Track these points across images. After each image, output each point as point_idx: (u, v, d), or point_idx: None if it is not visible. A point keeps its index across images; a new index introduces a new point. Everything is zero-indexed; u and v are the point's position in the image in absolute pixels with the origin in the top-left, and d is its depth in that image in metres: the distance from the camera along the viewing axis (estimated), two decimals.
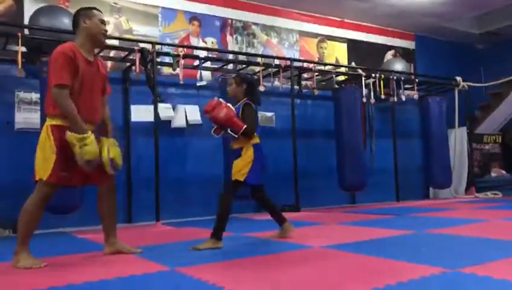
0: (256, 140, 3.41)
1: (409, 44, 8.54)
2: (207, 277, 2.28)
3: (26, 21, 5.01)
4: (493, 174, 8.34)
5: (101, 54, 5.33)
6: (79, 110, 2.79)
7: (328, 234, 3.98)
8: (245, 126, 3.27)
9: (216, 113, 3.28)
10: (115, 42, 5.51)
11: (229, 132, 3.32)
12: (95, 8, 3.02)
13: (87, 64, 2.88)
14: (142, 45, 5.40)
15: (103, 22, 3.00)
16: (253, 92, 3.53)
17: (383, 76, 7.09)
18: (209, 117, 3.38)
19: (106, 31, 3.01)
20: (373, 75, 7.04)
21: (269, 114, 6.61)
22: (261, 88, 5.96)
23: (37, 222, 2.80)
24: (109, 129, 3.09)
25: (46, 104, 2.85)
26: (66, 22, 4.89)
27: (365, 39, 7.97)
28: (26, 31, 4.85)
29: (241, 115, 3.35)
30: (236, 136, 3.30)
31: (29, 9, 5.06)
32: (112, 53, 5.54)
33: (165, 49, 5.72)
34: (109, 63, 5.57)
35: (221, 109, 3.26)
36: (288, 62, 6.43)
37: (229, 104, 3.33)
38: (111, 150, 2.91)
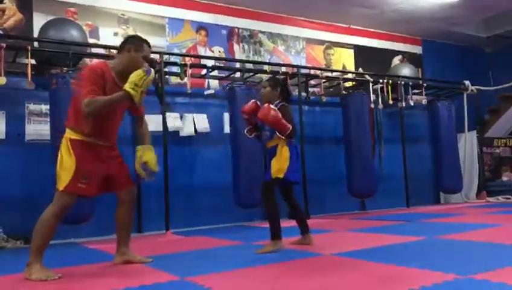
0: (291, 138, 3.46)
1: (416, 49, 8.52)
2: (217, 286, 2.28)
3: (35, 34, 5.08)
4: (504, 178, 8.25)
5: None
6: (95, 130, 2.87)
7: (338, 242, 3.96)
8: (290, 127, 3.32)
9: (263, 115, 3.28)
10: None
11: (277, 133, 3.34)
12: (147, 43, 3.04)
13: (114, 86, 2.89)
14: None
15: (146, 59, 3.00)
16: (288, 94, 3.60)
17: (390, 81, 7.08)
18: (249, 117, 3.52)
19: (145, 68, 3.05)
20: (380, 80, 7.03)
21: None
22: None
23: (53, 233, 2.82)
24: (146, 139, 3.14)
25: (68, 116, 2.92)
26: (74, 34, 4.96)
27: (372, 45, 7.96)
28: (36, 44, 4.92)
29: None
30: (284, 137, 3.34)
31: (38, 23, 5.13)
32: None
33: (173, 59, 5.75)
34: None
35: (269, 111, 3.27)
36: (295, 69, 6.44)
37: (272, 106, 3.33)
38: (144, 154, 2.99)
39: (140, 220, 5.43)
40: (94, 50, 5.38)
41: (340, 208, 6.85)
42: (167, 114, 5.36)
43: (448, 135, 7.63)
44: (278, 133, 3.34)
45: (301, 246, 3.52)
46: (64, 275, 2.78)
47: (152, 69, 2.87)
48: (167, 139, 5.25)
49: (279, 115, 3.29)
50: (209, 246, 3.99)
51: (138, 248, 3.67)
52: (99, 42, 5.53)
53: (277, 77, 4.06)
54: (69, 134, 2.86)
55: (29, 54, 4.55)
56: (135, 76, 2.78)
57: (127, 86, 2.77)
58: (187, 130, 5.84)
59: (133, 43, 3.00)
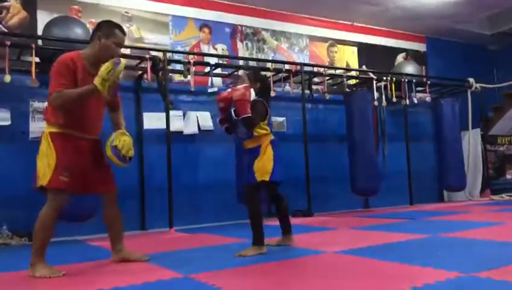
0: (271, 137, 3.31)
1: (420, 46, 8.49)
2: (220, 284, 2.28)
3: (39, 32, 5.09)
4: (508, 176, 8.22)
5: None
6: (71, 120, 2.81)
7: (341, 239, 3.96)
8: (249, 114, 3.10)
9: (233, 90, 3.15)
10: (127, 51, 5.57)
11: (232, 112, 3.19)
12: (119, 28, 2.92)
13: (88, 76, 2.80)
14: (153, 53, 5.45)
15: (119, 45, 2.91)
16: (266, 92, 3.42)
17: (394, 79, 7.05)
18: (224, 105, 3.25)
19: (118, 54, 2.92)
20: (384, 78, 7.01)
21: (280, 119, 6.61)
22: (272, 93, 5.97)
23: (52, 231, 2.81)
24: (121, 125, 3.10)
25: (46, 111, 2.90)
26: (78, 32, 4.96)
27: (376, 42, 7.94)
28: (40, 42, 4.93)
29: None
30: (238, 118, 3.16)
31: (42, 21, 5.14)
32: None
33: (176, 56, 5.77)
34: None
35: (240, 89, 3.13)
36: (299, 67, 6.44)
37: (251, 90, 3.18)
38: (116, 138, 2.92)
39: (144, 218, 5.45)
40: None
41: (344, 205, 6.85)
42: (170, 112, 5.36)
43: (452, 133, 7.61)
44: (232, 113, 3.16)
45: (295, 244, 3.44)
46: (68, 272, 2.79)
47: (122, 60, 2.75)
48: (170, 137, 5.26)
49: (247, 97, 3.09)
50: (212, 244, 4.00)
51: (142, 246, 3.69)
52: None
53: (258, 71, 3.80)
54: (47, 128, 2.83)
55: (34, 52, 4.56)
56: (103, 68, 2.68)
57: (96, 80, 2.67)
58: (190, 129, 5.85)
59: (103, 29, 2.88)
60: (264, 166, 3.19)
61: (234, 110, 3.20)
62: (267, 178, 3.18)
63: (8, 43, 4.51)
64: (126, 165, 2.96)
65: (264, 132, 3.28)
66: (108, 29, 2.88)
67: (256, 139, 3.27)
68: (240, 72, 3.51)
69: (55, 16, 5.14)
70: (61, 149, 2.76)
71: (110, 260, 3.13)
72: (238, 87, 3.20)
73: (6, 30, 5.02)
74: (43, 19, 5.16)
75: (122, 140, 2.92)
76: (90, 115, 2.91)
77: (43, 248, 2.77)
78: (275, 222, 3.56)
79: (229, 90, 3.33)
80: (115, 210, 3.08)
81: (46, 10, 5.26)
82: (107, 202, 3.05)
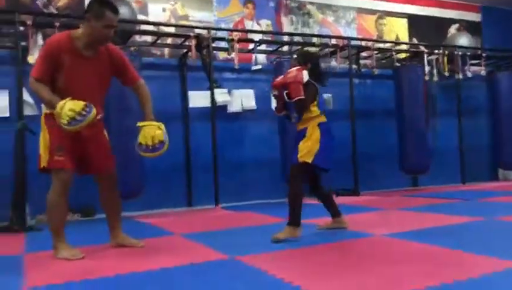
0: (323, 119, 3.20)
1: (475, 16, 8.03)
2: (267, 267, 2.26)
3: None
4: None
5: (158, 42, 5.41)
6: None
7: (389, 221, 3.86)
8: (302, 97, 3.07)
9: (286, 73, 3.15)
10: (171, 29, 5.57)
11: (284, 95, 3.15)
12: (110, 8, 2.72)
13: (79, 58, 2.73)
14: (197, 30, 5.41)
15: (110, 27, 2.72)
16: (318, 71, 3.31)
17: (446, 52, 6.75)
18: (279, 92, 3.24)
19: (110, 36, 2.77)
20: (436, 51, 6.73)
21: (327, 96, 6.47)
22: None
23: (64, 210, 2.79)
24: (146, 109, 2.92)
25: None
26: (123, 12, 4.97)
27: (427, 14, 7.58)
28: None
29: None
30: (290, 100, 3.13)
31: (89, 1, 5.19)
32: (169, 40, 5.61)
33: (220, 34, 5.71)
34: (166, 50, 5.66)
35: (292, 71, 3.13)
36: (346, 41, 6.24)
37: (304, 72, 3.14)
38: (139, 137, 2.78)
39: (190, 195, 5.53)
40: (143, 27, 5.41)
41: (391, 184, 6.69)
42: (215, 90, 5.35)
43: (509, 108, 7.23)
44: (284, 95, 3.13)
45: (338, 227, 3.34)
46: (115, 250, 2.87)
47: (93, 112, 2.57)
48: (215, 115, 5.26)
49: (300, 78, 3.06)
50: (259, 223, 3.99)
51: (188, 223, 3.73)
52: (148, 19, 5.55)
53: (307, 51, 3.73)
54: (44, 110, 2.80)
55: None
56: (72, 106, 2.54)
57: (59, 106, 2.54)
58: (235, 108, 5.82)
59: (94, 12, 2.69)
60: (308, 148, 3.09)
61: (286, 93, 3.15)
62: (309, 160, 3.06)
63: (57, 24, 4.59)
64: (163, 150, 2.79)
65: (312, 114, 3.18)
66: (98, 11, 2.69)
67: (304, 121, 3.19)
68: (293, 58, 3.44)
69: None
70: (52, 129, 2.70)
71: (111, 244, 3.03)
72: (291, 70, 3.17)
73: (55, 11, 5.12)
74: None
75: (143, 135, 2.77)
76: (81, 96, 2.63)
77: (60, 228, 2.76)
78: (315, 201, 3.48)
79: (282, 76, 3.29)
80: (112, 194, 2.98)
81: None
82: (101, 187, 2.96)
